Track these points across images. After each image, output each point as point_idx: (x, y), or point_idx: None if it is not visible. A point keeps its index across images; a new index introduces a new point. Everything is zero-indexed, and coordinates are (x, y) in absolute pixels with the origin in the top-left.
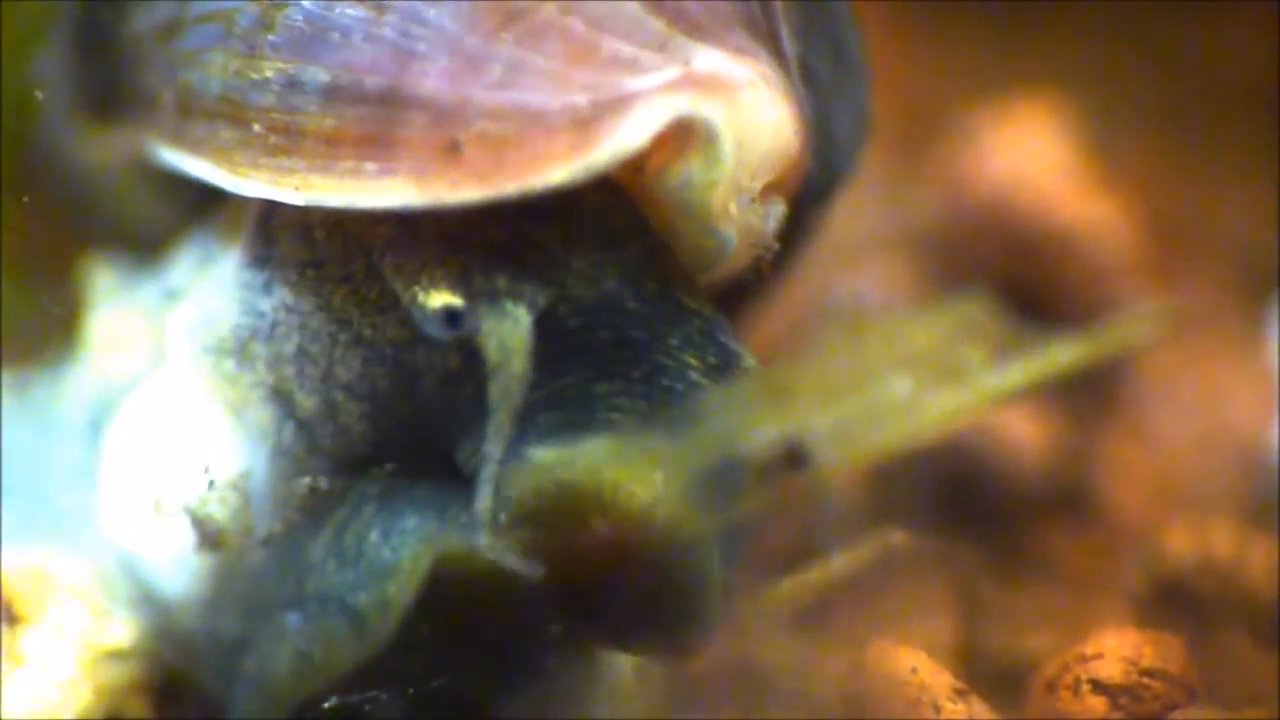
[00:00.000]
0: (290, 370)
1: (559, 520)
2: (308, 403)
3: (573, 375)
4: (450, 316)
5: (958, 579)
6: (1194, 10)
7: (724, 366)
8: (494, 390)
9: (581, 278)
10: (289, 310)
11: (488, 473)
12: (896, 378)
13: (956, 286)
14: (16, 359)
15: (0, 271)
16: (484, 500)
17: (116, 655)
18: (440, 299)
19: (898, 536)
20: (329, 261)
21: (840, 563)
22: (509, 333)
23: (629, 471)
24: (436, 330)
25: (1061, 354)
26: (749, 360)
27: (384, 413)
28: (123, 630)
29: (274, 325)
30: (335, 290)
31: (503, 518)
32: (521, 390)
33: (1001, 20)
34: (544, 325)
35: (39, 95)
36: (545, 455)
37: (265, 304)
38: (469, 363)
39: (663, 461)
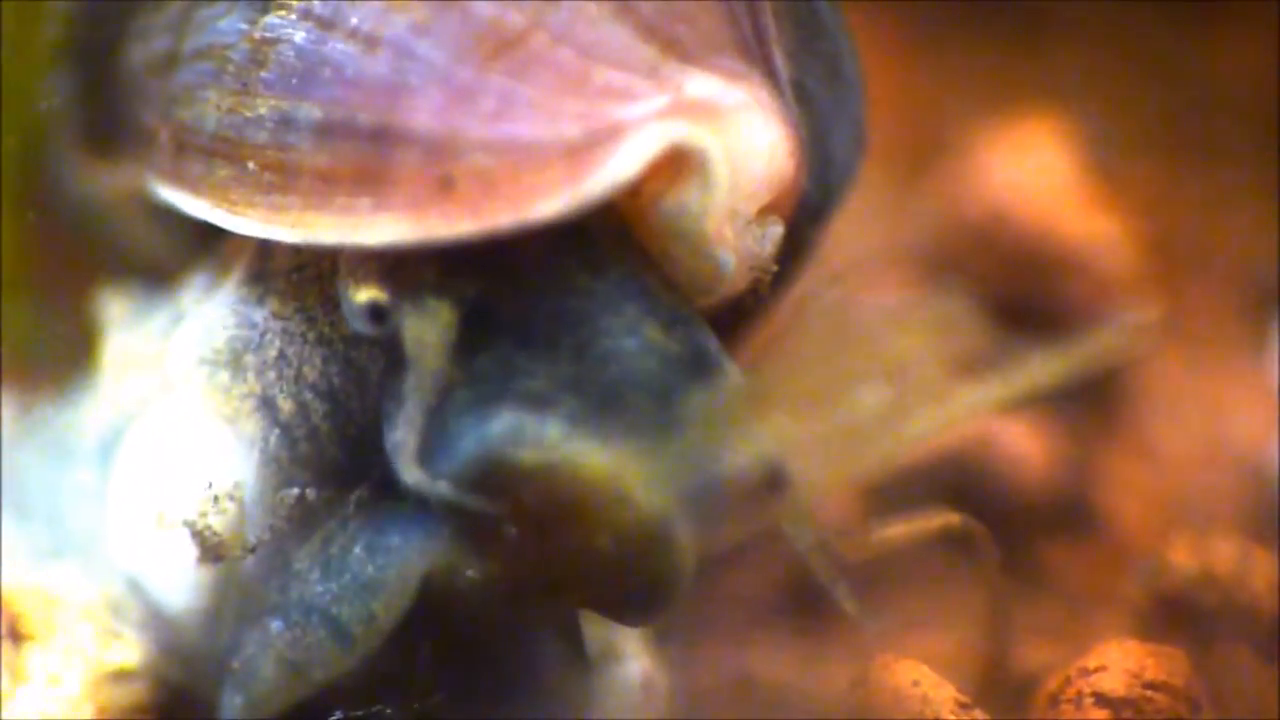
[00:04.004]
0: (272, 374)
1: (550, 522)
2: (286, 406)
3: (493, 349)
4: (375, 311)
5: (983, 588)
6: (1195, 27)
7: (693, 361)
8: (408, 383)
9: (530, 261)
10: (275, 317)
11: (402, 462)
12: (875, 388)
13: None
14: (31, 384)
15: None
16: (407, 474)
17: (121, 675)
18: (367, 293)
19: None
20: (309, 264)
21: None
22: (425, 329)
23: (628, 485)
24: (362, 325)
25: (1044, 367)
26: (732, 371)
27: (342, 412)
28: (129, 651)
29: (263, 334)
30: (310, 290)
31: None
32: (435, 385)
33: (1002, 37)
34: (477, 308)
35: (46, 121)
36: (533, 455)
37: (258, 315)
38: (399, 357)
39: (654, 477)
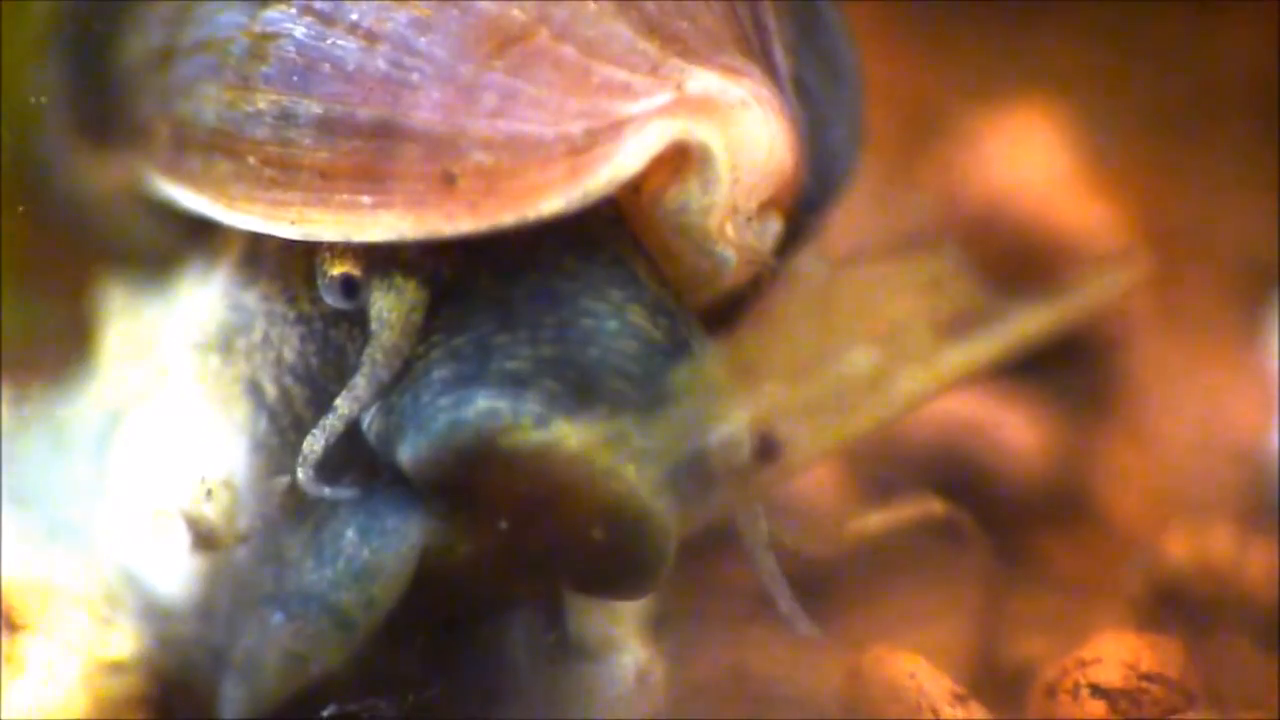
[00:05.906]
0: (258, 358)
1: (531, 501)
2: (271, 391)
3: (472, 330)
4: (346, 285)
5: (977, 579)
6: (1191, 13)
7: (674, 348)
8: (365, 354)
9: (516, 242)
10: (263, 299)
11: (325, 420)
12: (863, 351)
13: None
14: (29, 374)
15: (1, 284)
16: (312, 443)
17: (117, 667)
18: (341, 267)
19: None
20: (295, 241)
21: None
22: (390, 305)
23: (605, 464)
24: (334, 299)
25: (1031, 320)
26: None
27: (323, 398)
28: (124, 641)
29: (252, 316)
30: (294, 267)
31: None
32: (390, 361)
33: (998, 24)
34: (458, 288)
35: (40, 113)
36: (531, 437)
37: (249, 298)
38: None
39: (633, 455)
